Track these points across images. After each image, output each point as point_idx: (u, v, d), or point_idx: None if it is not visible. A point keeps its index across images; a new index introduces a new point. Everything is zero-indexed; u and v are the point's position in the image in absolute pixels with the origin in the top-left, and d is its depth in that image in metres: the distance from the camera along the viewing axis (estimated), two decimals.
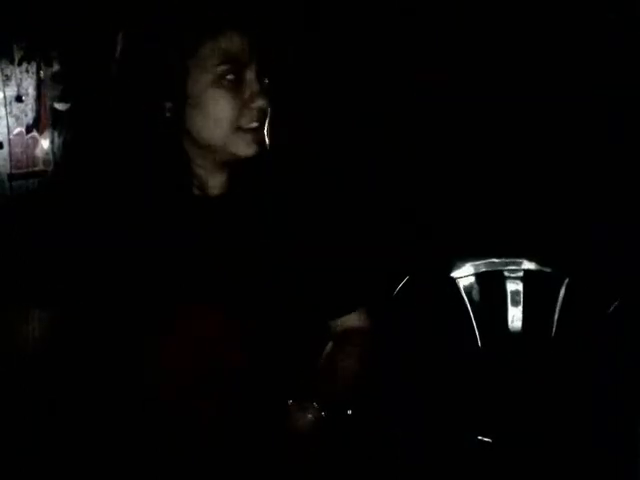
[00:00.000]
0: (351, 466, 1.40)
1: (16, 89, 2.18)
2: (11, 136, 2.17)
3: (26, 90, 2.20)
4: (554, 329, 1.89)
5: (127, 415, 1.14)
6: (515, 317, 1.92)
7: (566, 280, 1.90)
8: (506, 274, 1.93)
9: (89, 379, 1.14)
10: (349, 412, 1.49)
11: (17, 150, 2.19)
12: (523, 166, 2.28)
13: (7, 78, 2.15)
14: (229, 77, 1.10)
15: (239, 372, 1.16)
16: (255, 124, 1.12)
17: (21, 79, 2.19)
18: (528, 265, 1.93)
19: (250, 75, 1.11)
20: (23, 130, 2.21)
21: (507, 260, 1.94)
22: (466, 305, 1.92)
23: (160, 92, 1.10)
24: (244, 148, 1.13)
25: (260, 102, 1.12)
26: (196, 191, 1.17)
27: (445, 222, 2.31)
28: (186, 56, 1.09)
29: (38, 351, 1.12)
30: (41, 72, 2.21)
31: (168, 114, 1.11)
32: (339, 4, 2.35)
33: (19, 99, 2.18)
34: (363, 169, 2.37)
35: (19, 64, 2.17)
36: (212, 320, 1.14)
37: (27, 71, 2.19)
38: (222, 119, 1.11)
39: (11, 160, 2.16)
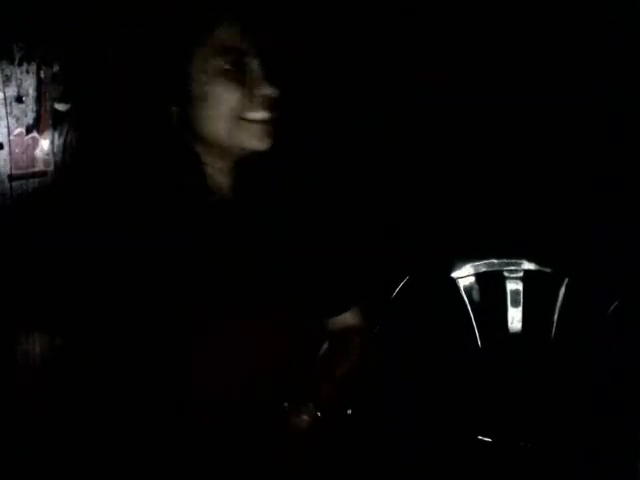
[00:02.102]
0: (351, 466, 1.40)
1: (16, 89, 2.17)
2: (11, 136, 2.16)
3: (26, 90, 2.19)
4: (554, 329, 1.89)
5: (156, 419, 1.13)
6: (515, 317, 1.92)
7: (566, 280, 1.90)
8: (506, 274, 1.93)
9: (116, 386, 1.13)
10: (349, 412, 1.50)
11: (17, 150, 2.18)
12: (523, 166, 2.28)
13: (7, 78, 2.14)
14: (229, 67, 1.08)
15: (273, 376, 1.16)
16: (261, 114, 1.10)
17: (21, 79, 2.18)
18: (528, 265, 1.93)
19: (252, 63, 1.09)
20: (23, 130, 2.21)
21: (507, 260, 1.94)
22: (466, 305, 1.92)
23: (165, 95, 1.09)
24: (251, 140, 1.11)
25: (264, 90, 1.09)
26: (211, 193, 1.15)
27: (445, 222, 2.30)
28: (186, 53, 1.08)
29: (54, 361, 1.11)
30: (41, 72, 2.21)
31: (175, 116, 1.10)
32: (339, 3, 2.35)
33: (19, 99, 2.18)
34: (362, 169, 2.37)
35: (19, 64, 2.16)
36: (241, 325, 1.14)
37: (27, 71, 2.19)
38: (224, 110, 1.08)
39: (11, 160, 2.16)
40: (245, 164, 1.17)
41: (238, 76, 1.09)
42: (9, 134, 2.16)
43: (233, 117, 1.09)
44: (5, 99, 2.14)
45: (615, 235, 2.08)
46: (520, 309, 1.92)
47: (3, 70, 2.12)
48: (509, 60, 2.28)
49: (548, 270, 1.93)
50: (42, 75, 2.21)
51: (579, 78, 2.23)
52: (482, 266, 1.94)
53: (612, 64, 2.20)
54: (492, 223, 2.23)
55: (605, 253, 1.97)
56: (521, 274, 1.93)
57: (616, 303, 1.86)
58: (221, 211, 1.16)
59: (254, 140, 1.11)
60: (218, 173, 1.16)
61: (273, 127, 1.11)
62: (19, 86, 2.16)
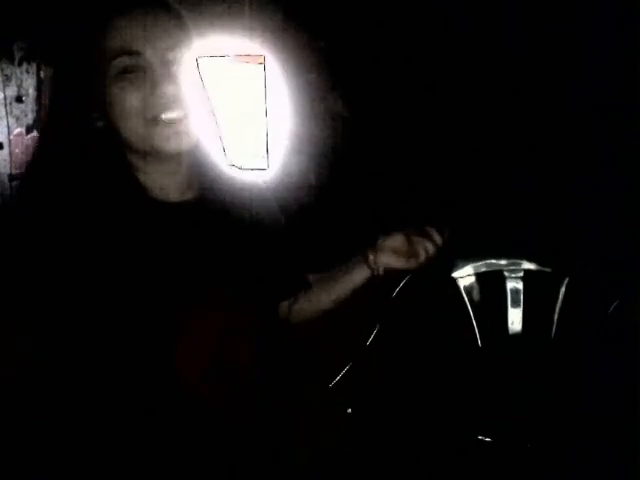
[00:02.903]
0: (351, 466, 1.41)
1: (16, 89, 2.18)
2: (11, 136, 2.17)
3: (26, 90, 2.20)
4: (554, 329, 1.89)
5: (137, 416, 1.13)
6: (515, 317, 1.92)
7: (566, 280, 1.90)
8: (506, 274, 1.93)
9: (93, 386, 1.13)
10: (349, 411, 1.50)
11: (17, 150, 2.19)
12: (523, 166, 2.28)
13: (7, 78, 2.15)
14: (126, 68, 1.07)
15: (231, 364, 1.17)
16: (168, 114, 1.07)
17: (21, 79, 2.19)
18: (528, 265, 1.93)
19: (150, 61, 1.07)
20: (23, 130, 2.21)
21: (507, 260, 1.94)
22: (466, 305, 1.92)
23: (82, 104, 1.09)
24: (163, 142, 1.08)
25: (164, 88, 1.06)
26: (155, 197, 1.14)
27: (445, 222, 2.31)
28: (86, 57, 1.07)
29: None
30: (41, 72, 2.21)
31: (99, 124, 1.09)
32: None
33: (19, 99, 2.18)
34: (360, 167, 2.37)
35: (19, 64, 2.17)
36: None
37: (27, 71, 2.19)
38: (132, 112, 1.07)
39: (11, 160, 2.17)
40: (188, 167, 1.16)
41: (138, 77, 1.07)
42: (9, 134, 2.17)
43: (142, 119, 1.07)
44: (5, 99, 2.15)
45: (615, 235, 2.09)
46: (520, 309, 1.92)
47: (3, 70, 2.12)
48: (510, 59, 2.29)
49: (548, 270, 1.93)
50: (42, 75, 2.22)
51: (580, 79, 2.24)
52: (482, 266, 1.94)
53: (611, 65, 2.20)
54: (492, 222, 2.24)
55: (605, 253, 1.97)
56: (521, 274, 1.93)
57: (616, 303, 1.86)
58: (174, 215, 1.14)
59: (168, 142, 1.09)
60: (157, 177, 1.14)
61: (187, 127, 1.09)
62: (19, 86, 2.17)
